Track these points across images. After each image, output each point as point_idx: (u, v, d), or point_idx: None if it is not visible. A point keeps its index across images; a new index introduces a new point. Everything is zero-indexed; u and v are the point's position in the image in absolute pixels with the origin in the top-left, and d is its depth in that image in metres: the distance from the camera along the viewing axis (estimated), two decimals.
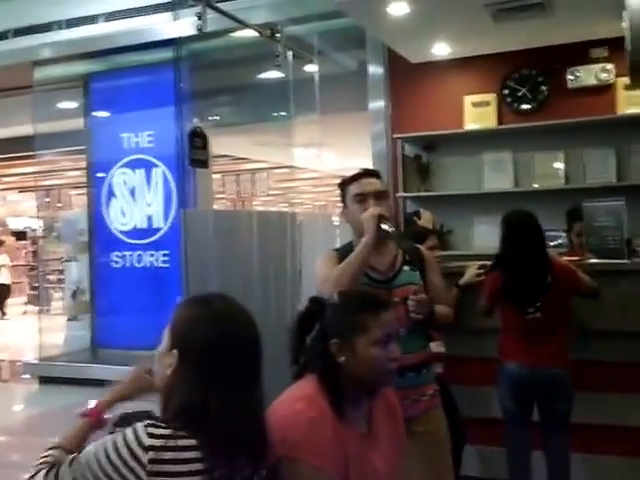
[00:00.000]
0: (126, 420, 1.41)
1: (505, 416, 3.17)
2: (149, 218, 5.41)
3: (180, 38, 3.60)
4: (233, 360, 1.37)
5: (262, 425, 1.41)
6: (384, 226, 2.34)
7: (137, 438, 1.27)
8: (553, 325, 3.07)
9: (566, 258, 3.52)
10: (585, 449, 3.32)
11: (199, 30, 3.93)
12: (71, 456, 1.35)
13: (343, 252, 2.42)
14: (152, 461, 1.24)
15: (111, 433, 1.37)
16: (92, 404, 1.54)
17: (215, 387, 1.33)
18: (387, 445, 1.75)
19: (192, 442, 1.28)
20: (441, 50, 5.02)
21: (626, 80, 4.50)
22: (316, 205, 10.59)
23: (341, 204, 2.53)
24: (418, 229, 4.01)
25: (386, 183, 2.54)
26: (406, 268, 2.43)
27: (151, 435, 1.27)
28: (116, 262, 5.49)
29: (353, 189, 2.44)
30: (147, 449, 1.25)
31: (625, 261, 3.37)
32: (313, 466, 1.50)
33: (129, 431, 1.29)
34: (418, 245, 2.67)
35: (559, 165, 5.07)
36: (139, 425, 1.29)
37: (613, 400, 3.34)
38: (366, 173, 2.51)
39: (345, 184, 2.49)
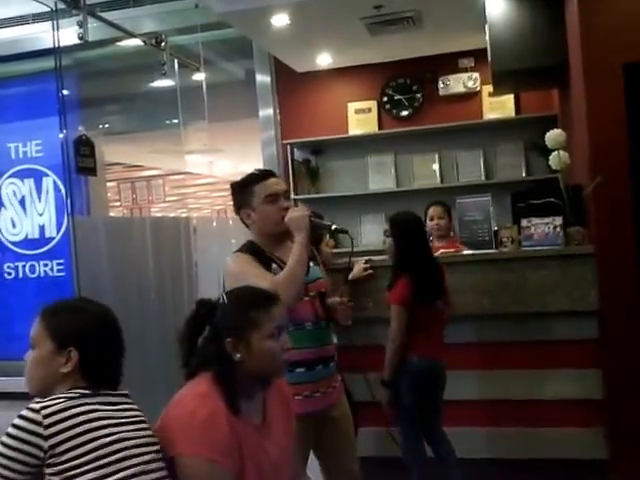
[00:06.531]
0: None
1: (403, 403, 3.10)
2: (41, 227, 5.33)
3: (62, 47, 3.59)
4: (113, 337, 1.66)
5: None
6: (324, 222, 2.54)
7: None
8: (445, 316, 3.15)
9: (443, 250, 3.65)
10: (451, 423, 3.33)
11: (80, 38, 3.89)
12: None
13: (254, 253, 2.37)
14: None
15: None
16: None
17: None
18: (281, 433, 1.78)
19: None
20: (324, 60, 5.20)
21: (490, 88, 4.78)
22: (214, 209, 10.62)
23: (242, 206, 2.41)
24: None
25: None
26: (312, 264, 2.48)
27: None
28: (8, 273, 5.39)
29: (262, 190, 2.37)
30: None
31: (493, 251, 3.56)
32: (208, 459, 1.53)
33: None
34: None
35: (435, 166, 5.38)
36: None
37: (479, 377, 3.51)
38: (269, 174, 2.47)
39: (246, 185, 2.41)
